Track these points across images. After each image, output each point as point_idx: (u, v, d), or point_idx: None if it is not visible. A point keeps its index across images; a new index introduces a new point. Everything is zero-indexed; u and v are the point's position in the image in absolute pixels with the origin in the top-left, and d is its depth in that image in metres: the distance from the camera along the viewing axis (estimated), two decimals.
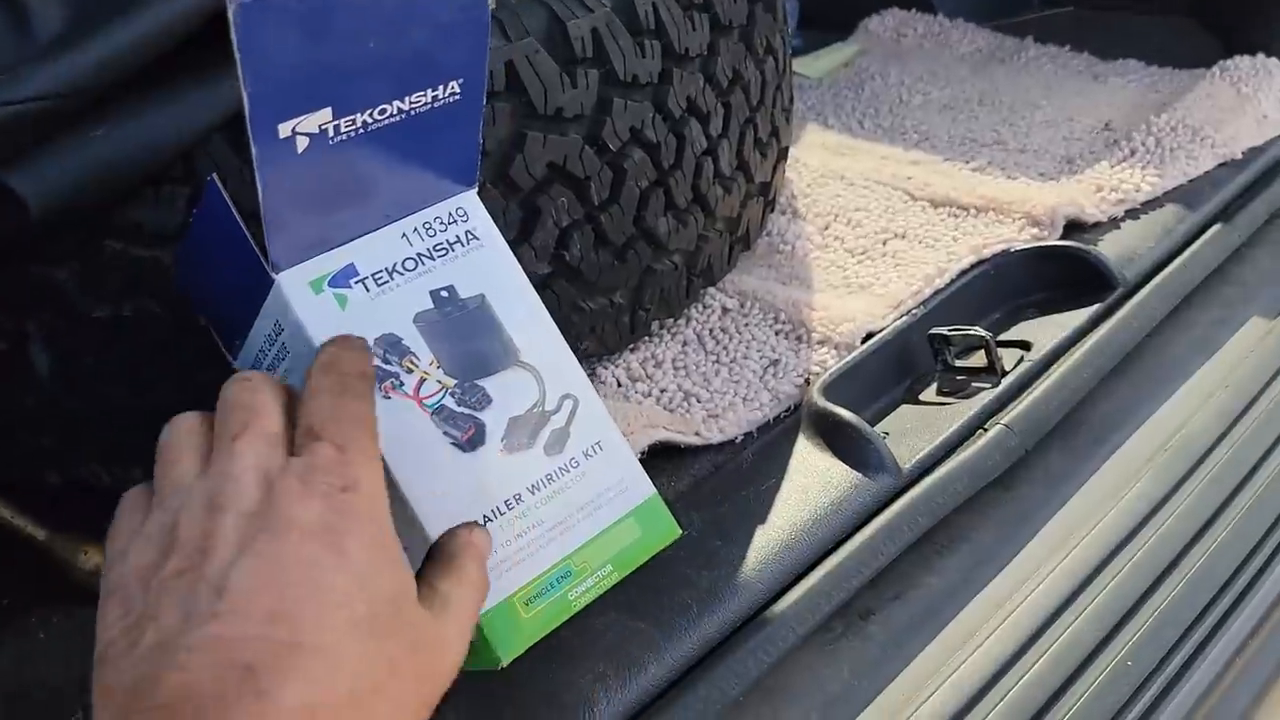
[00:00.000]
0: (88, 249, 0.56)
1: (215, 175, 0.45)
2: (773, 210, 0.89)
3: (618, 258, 0.69)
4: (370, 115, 0.43)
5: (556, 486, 0.48)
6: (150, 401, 0.62)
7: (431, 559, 0.42)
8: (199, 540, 0.35)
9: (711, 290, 0.81)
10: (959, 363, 0.71)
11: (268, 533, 0.35)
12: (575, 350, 0.70)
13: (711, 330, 0.77)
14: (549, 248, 0.65)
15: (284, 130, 0.41)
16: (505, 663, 0.45)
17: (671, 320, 0.78)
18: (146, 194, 0.54)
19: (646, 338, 0.77)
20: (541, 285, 0.66)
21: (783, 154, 0.86)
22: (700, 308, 0.79)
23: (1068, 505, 0.63)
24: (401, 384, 0.46)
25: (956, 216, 0.86)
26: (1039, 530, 0.61)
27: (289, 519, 0.35)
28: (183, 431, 0.41)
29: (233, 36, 0.37)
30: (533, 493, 0.47)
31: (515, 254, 0.63)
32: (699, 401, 0.70)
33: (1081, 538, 0.60)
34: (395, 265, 0.48)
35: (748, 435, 0.68)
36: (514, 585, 0.46)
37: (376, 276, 0.48)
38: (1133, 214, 0.83)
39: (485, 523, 0.46)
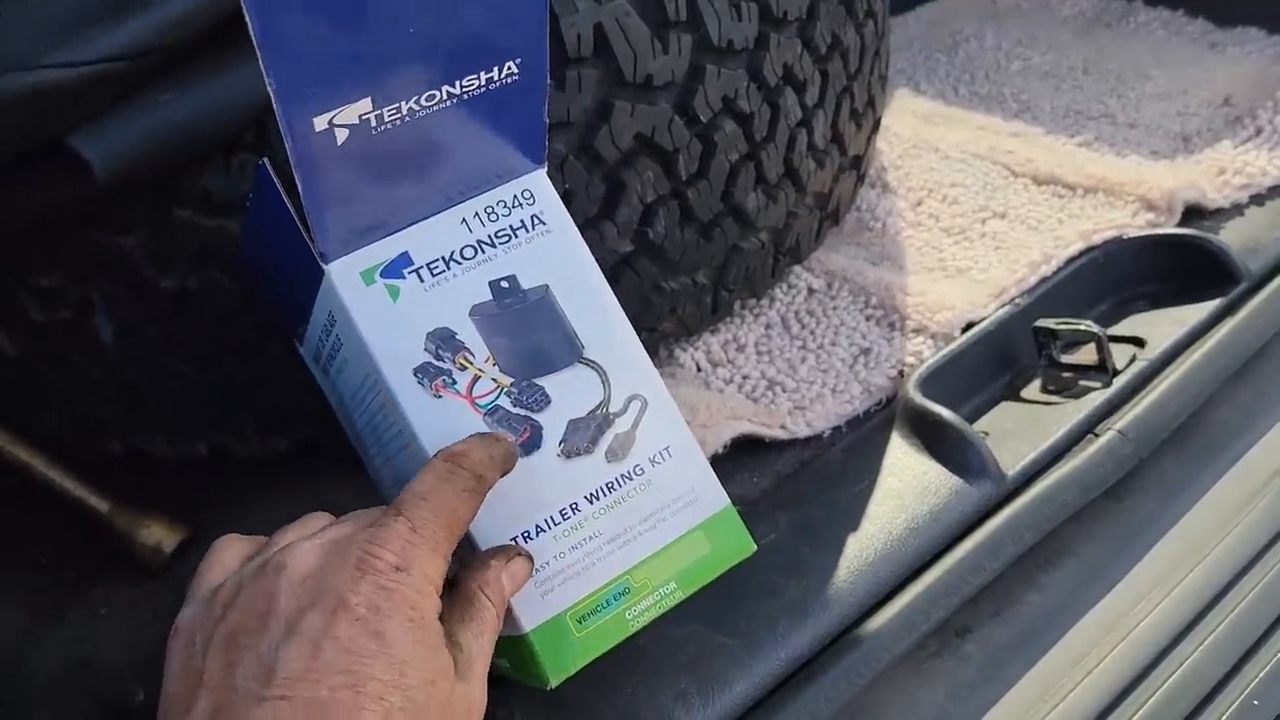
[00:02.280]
0: (155, 217, 0.53)
1: (267, 160, 0.41)
2: (862, 183, 0.84)
3: (703, 235, 0.65)
4: (416, 103, 0.40)
5: (618, 496, 0.44)
6: (215, 374, 0.60)
7: (451, 600, 0.40)
8: (259, 603, 0.37)
9: (797, 269, 0.77)
10: (1065, 358, 0.66)
11: (317, 611, 0.36)
12: (654, 331, 0.67)
13: (797, 313, 0.73)
14: (632, 224, 0.61)
15: (320, 124, 0.38)
16: (553, 684, 0.42)
17: (754, 301, 0.74)
18: (216, 161, 0.52)
19: (728, 319, 0.73)
20: (623, 264, 0.62)
21: (876, 124, 0.81)
22: (785, 288, 0.75)
23: (1184, 520, 0.58)
24: (454, 382, 0.43)
25: (1062, 197, 0.80)
26: (1152, 547, 0.57)
27: (338, 598, 0.36)
28: (307, 517, 0.43)
29: (250, 28, 0.34)
30: (591, 502, 0.44)
31: (597, 230, 0.60)
32: (784, 391, 0.66)
33: (1201, 557, 0.56)
34: (453, 254, 0.45)
35: (836, 430, 0.64)
36: (566, 601, 0.43)
37: (432, 266, 0.45)
38: (1257, 200, 0.77)
39: (538, 533, 0.43)
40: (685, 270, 0.66)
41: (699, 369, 0.69)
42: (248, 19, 0.34)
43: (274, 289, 0.50)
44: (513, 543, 0.42)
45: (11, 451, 0.62)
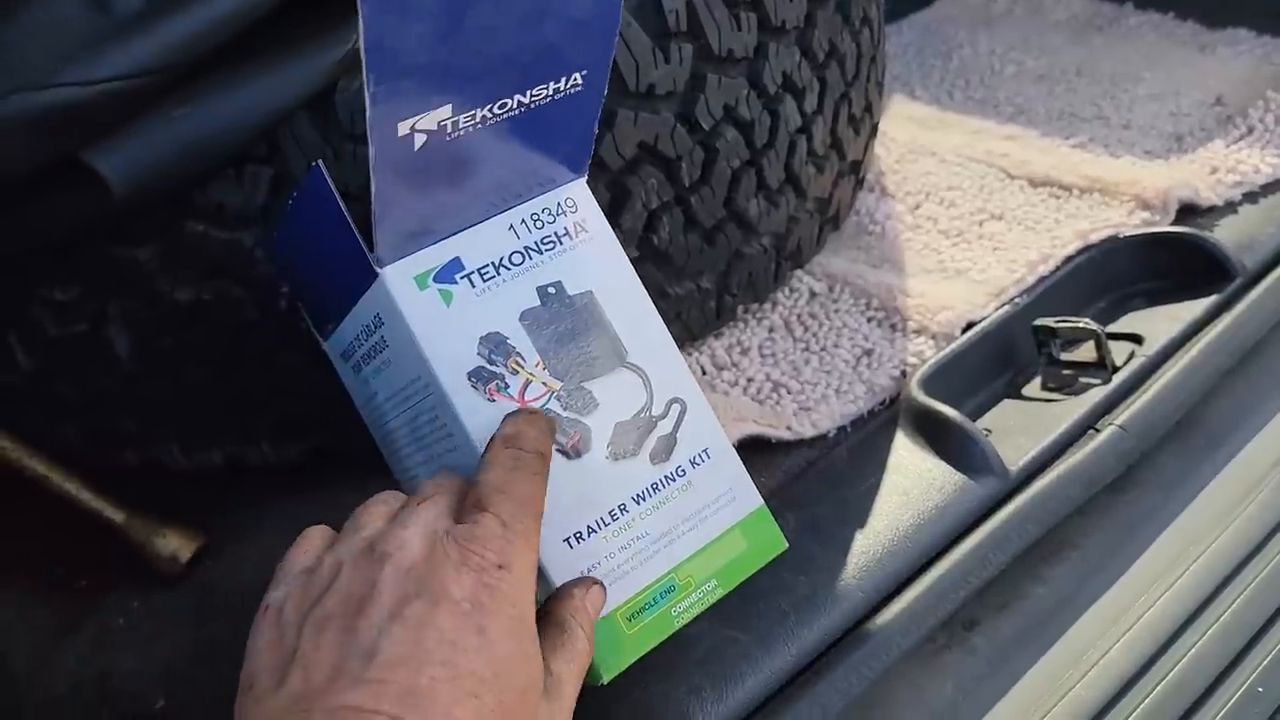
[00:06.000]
0: (169, 230, 0.54)
1: (321, 162, 0.42)
2: (861, 188, 0.85)
3: (707, 241, 0.66)
4: (490, 110, 0.41)
5: (662, 496, 0.45)
6: (230, 384, 0.61)
7: (543, 625, 0.40)
8: (360, 587, 0.37)
9: (798, 273, 0.78)
10: (1065, 356, 0.67)
11: (421, 600, 0.36)
12: None
13: (800, 316, 0.74)
14: (636, 231, 0.62)
15: (403, 129, 0.39)
16: (606, 680, 0.43)
17: (757, 305, 0.75)
18: (228, 174, 0.53)
19: (731, 323, 0.74)
20: None
21: (874, 130, 0.82)
22: (787, 291, 0.76)
23: (1185, 513, 0.59)
24: (506, 386, 0.44)
25: (1058, 197, 0.81)
26: (1154, 539, 0.57)
27: (442, 589, 0.36)
28: (380, 498, 0.43)
29: (360, 35, 0.35)
30: (638, 503, 0.45)
31: None
32: (789, 393, 0.67)
33: (1202, 549, 0.56)
34: (502, 259, 0.46)
35: (841, 430, 0.65)
36: (618, 600, 0.44)
37: (483, 271, 0.45)
38: (1251, 197, 0.78)
39: (589, 534, 0.44)
40: (689, 276, 0.67)
41: (704, 372, 0.70)
42: (360, 21, 0.34)
43: (307, 286, 0.51)
44: (585, 575, 0.43)
45: (28, 464, 0.62)
